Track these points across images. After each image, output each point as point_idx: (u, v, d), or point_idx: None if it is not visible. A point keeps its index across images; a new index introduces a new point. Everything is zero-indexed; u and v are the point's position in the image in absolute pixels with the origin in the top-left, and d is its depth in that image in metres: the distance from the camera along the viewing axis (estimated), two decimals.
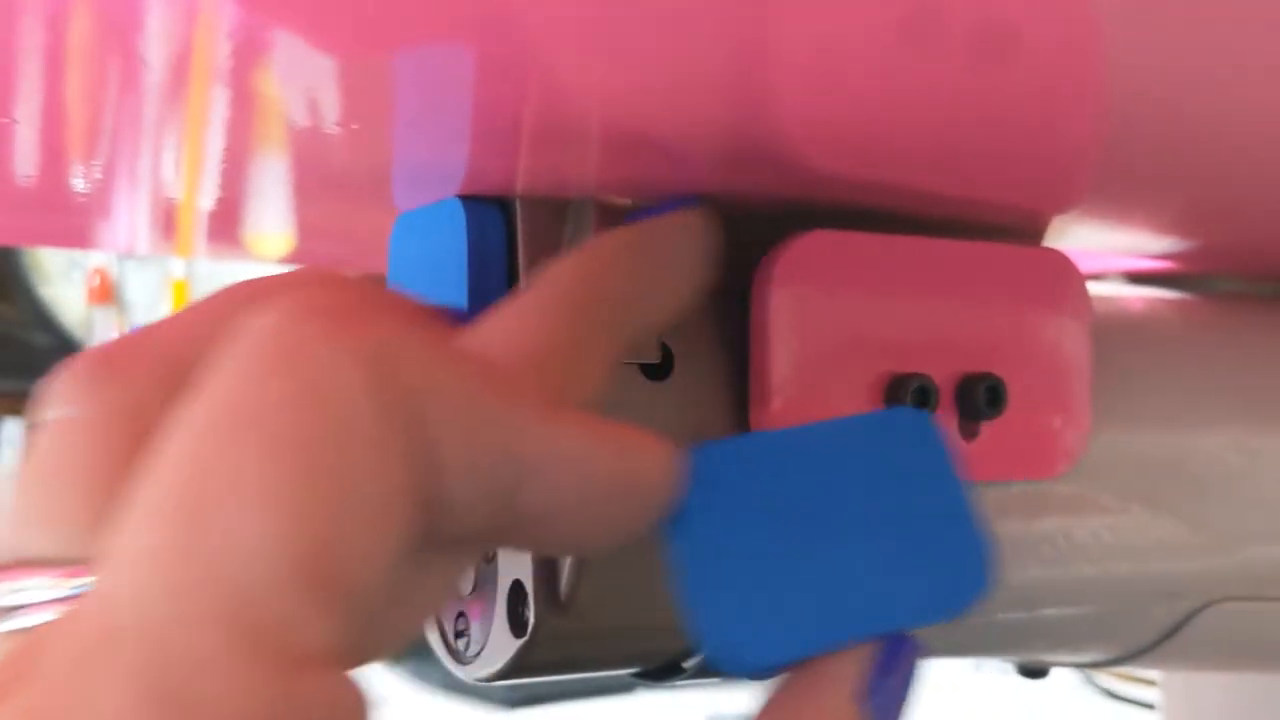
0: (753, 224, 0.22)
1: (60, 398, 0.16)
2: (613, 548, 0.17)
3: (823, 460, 0.19)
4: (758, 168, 0.22)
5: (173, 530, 0.14)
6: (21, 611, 0.15)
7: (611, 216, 0.22)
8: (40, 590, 0.15)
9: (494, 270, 0.22)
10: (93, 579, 0.14)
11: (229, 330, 0.15)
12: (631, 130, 0.20)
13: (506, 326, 0.18)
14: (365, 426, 0.14)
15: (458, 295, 0.22)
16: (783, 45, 0.16)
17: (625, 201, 0.23)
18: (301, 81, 0.18)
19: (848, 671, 0.18)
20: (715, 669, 0.25)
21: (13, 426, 0.70)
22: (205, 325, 0.17)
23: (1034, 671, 0.30)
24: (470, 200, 0.23)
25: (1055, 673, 0.33)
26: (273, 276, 0.18)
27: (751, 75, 0.17)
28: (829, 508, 0.19)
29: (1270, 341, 0.29)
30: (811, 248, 0.22)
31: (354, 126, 0.21)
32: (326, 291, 0.17)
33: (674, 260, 0.20)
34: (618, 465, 0.17)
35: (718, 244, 0.21)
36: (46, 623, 0.15)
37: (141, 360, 0.17)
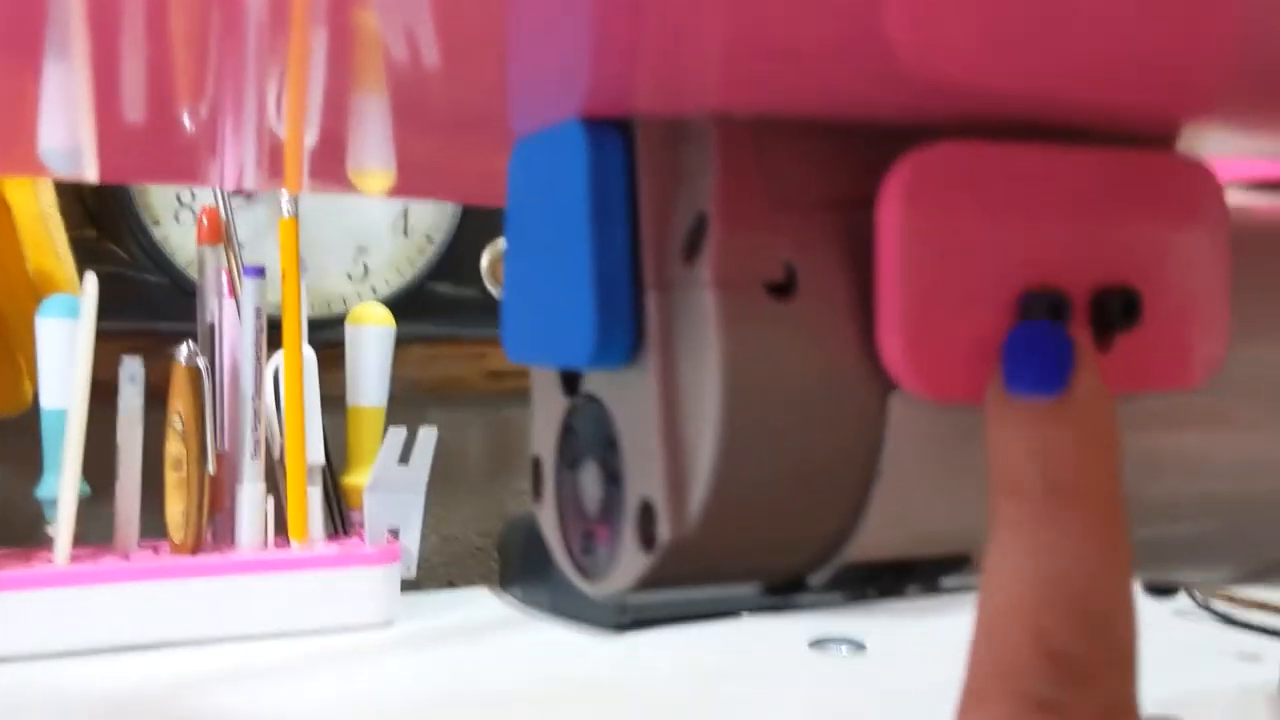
0: (879, 133, 0.22)
1: None
2: None
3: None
4: (878, 75, 0.21)
5: None
6: None
7: (732, 135, 0.22)
8: None
9: (615, 195, 0.22)
10: None
11: None
12: (753, 30, 0.19)
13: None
14: None
15: (579, 221, 0.22)
16: None
17: (746, 117, 0.22)
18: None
19: None
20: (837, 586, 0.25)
21: (132, 364, 0.72)
22: None
23: (1162, 590, 0.29)
24: (590, 123, 0.22)
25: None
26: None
27: None
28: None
29: None
30: (937, 160, 0.21)
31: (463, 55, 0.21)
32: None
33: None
34: None
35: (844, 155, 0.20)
36: None
37: None
